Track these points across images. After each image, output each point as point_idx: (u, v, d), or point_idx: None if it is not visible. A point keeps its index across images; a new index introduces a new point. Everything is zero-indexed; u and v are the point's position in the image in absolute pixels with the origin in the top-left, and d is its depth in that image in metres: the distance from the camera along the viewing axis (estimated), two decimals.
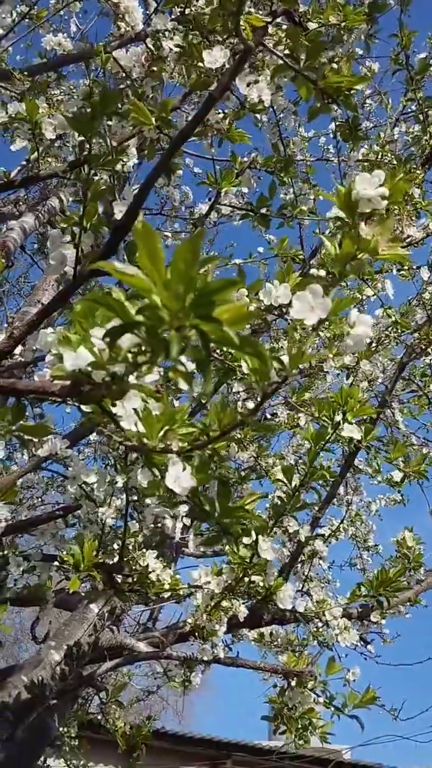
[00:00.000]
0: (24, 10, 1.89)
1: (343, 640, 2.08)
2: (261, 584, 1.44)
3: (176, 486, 0.84)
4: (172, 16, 1.29)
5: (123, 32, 1.41)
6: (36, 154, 1.52)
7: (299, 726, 1.91)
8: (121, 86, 1.91)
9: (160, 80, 1.50)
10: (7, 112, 1.52)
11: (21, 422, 0.93)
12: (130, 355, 0.64)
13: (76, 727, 2.60)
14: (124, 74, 1.53)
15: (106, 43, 1.63)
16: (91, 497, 1.50)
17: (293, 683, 1.87)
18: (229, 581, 1.44)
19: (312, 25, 1.12)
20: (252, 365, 0.60)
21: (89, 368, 0.71)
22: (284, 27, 1.11)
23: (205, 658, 1.80)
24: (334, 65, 1.12)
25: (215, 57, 1.09)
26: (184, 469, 0.84)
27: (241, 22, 0.98)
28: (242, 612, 1.56)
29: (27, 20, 1.91)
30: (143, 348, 0.57)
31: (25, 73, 1.54)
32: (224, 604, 1.55)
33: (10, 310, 3.45)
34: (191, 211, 2.58)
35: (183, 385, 0.52)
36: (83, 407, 0.83)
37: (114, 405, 0.79)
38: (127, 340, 0.59)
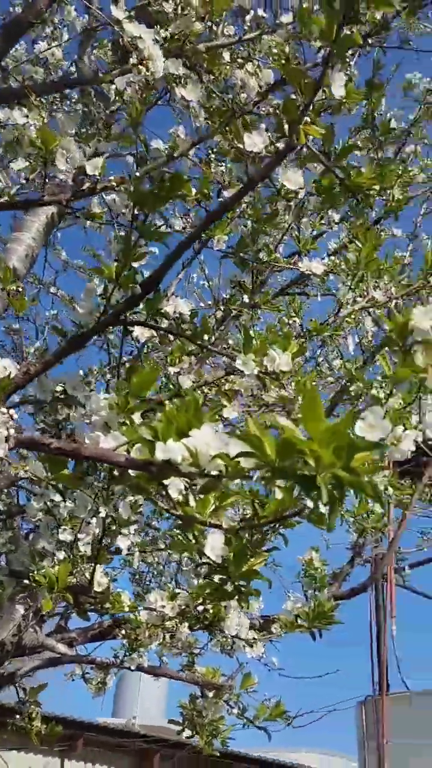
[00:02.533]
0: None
1: (250, 651, 2.22)
2: (211, 611, 1.55)
3: (212, 553, 0.94)
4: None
5: (142, 77, 1.46)
6: (35, 172, 1.54)
7: (207, 732, 2.05)
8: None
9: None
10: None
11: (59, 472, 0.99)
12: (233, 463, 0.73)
13: None
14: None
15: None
16: (53, 513, 1.56)
17: (210, 694, 2.00)
18: (183, 607, 1.54)
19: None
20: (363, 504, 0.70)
21: (178, 459, 0.79)
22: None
23: (132, 667, 1.90)
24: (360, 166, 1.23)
25: (255, 141, 1.18)
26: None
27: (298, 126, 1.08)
28: (185, 633, 1.67)
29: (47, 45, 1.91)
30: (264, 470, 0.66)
31: (34, 93, 1.55)
32: (168, 624, 1.65)
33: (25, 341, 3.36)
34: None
35: (319, 525, 0.62)
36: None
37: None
38: (247, 462, 0.68)
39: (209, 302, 1.95)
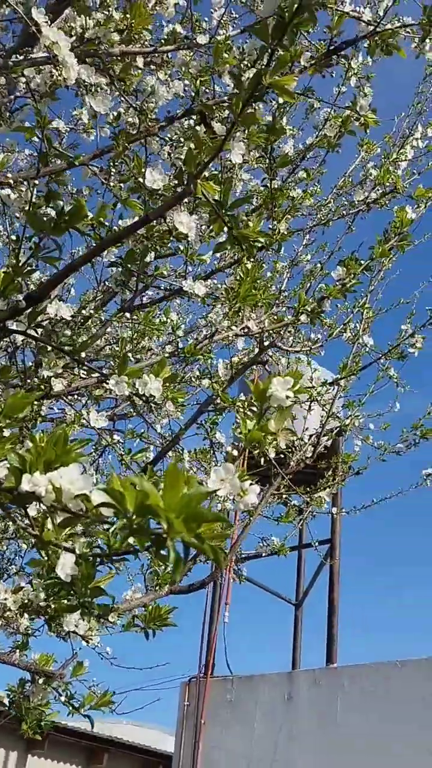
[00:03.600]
0: None
1: (90, 640, 2.29)
2: (53, 606, 1.61)
3: (62, 572, 1.00)
4: None
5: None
6: None
7: (32, 716, 2.11)
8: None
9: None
10: None
11: None
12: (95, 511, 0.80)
13: None
14: None
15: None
16: None
17: (40, 680, 2.06)
18: (25, 600, 1.59)
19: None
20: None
21: (42, 493, 0.85)
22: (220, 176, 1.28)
23: None
24: (248, 219, 1.32)
25: (155, 179, 1.24)
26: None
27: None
28: (23, 624, 1.72)
29: None
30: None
31: None
32: (7, 614, 1.70)
33: None
34: None
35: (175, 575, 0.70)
36: None
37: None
38: (106, 511, 0.75)
39: (84, 310, 1.98)
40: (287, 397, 0.98)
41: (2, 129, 1.84)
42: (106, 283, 2.49)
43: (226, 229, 1.28)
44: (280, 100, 2.39)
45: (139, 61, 2.09)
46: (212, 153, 1.07)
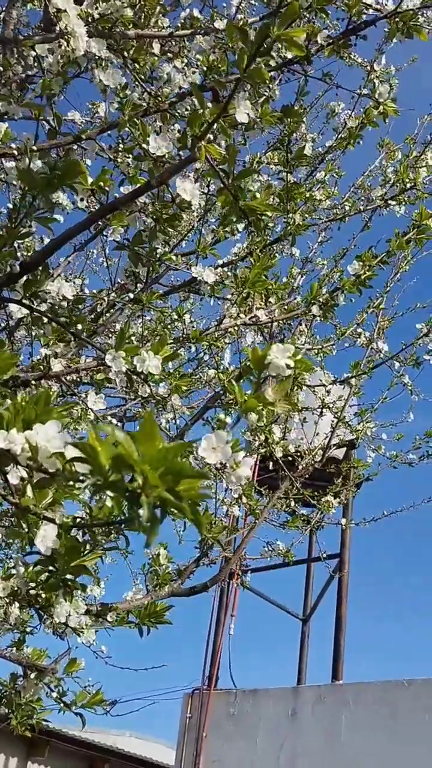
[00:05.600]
0: None
1: (81, 637, 2.23)
2: (43, 596, 1.55)
3: (42, 545, 0.94)
4: None
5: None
6: None
7: (22, 712, 2.05)
8: None
9: None
10: None
11: None
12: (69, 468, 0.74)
13: None
14: None
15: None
16: None
17: (32, 675, 2.00)
18: (16, 588, 1.54)
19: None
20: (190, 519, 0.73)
21: (18, 450, 0.79)
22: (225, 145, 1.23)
23: None
24: (255, 192, 1.27)
25: (159, 145, 1.19)
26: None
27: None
28: (14, 614, 1.66)
29: None
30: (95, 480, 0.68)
31: None
32: None
33: None
34: None
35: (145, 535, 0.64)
36: None
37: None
38: (81, 468, 0.70)
39: (94, 291, 1.94)
40: (287, 365, 0.92)
41: (12, 107, 1.81)
42: (119, 281, 2.45)
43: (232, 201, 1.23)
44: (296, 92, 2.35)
45: (156, 48, 2.05)
46: (215, 114, 1.02)
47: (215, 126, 1.19)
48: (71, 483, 0.73)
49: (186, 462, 0.64)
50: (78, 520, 0.90)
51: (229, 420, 2.47)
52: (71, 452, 0.69)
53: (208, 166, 1.18)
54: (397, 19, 1.63)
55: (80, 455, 0.68)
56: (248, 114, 1.02)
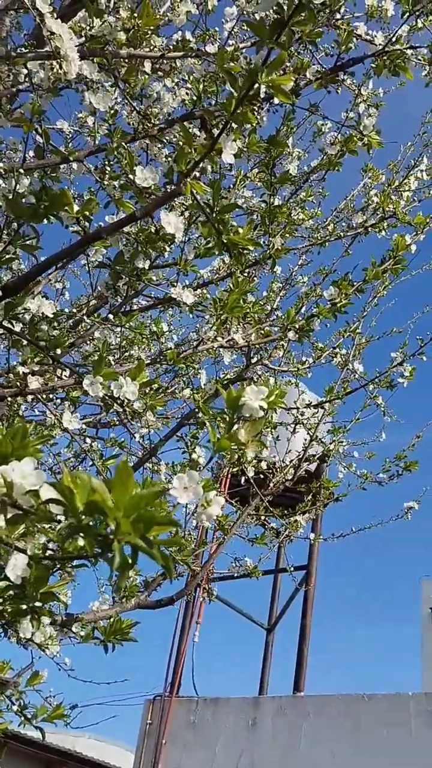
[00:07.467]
0: None
1: (46, 649, 2.24)
2: (9, 610, 1.55)
3: (12, 573, 0.95)
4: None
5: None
6: None
7: None
8: None
9: None
10: None
11: None
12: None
13: None
14: None
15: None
16: None
17: None
18: None
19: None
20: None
21: None
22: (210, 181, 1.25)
23: None
24: (237, 225, 1.29)
25: (146, 177, 1.21)
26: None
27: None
28: None
29: None
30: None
31: None
32: None
33: None
34: None
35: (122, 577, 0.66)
36: None
37: None
38: (55, 509, 0.71)
39: (72, 308, 1.95)
40: (260, 407, 0.94)
41: (1, 121, 1.81)
42: (99, 288, 2.45)
43: (215, 234, 1.25)
44: (284, 118, 2.38)
45: (147, 66, 2.07)
46: (204, 152, 1.04)
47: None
48: (44, 523, 0.75)
49: (158, 508, 0.66)
50: (48, 552, 0.91)
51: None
52: (47, 492, 0.71)
53: (192, 200, 1.20)
54: (384, 57, 1.67)
55: (55, 497, 0.70)
56: (233, 155, 1.04)
